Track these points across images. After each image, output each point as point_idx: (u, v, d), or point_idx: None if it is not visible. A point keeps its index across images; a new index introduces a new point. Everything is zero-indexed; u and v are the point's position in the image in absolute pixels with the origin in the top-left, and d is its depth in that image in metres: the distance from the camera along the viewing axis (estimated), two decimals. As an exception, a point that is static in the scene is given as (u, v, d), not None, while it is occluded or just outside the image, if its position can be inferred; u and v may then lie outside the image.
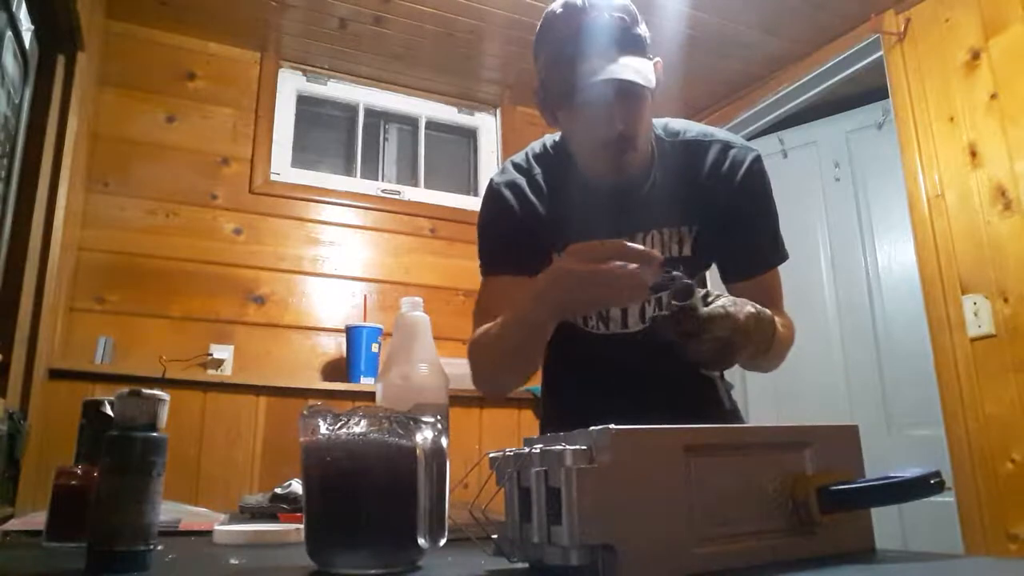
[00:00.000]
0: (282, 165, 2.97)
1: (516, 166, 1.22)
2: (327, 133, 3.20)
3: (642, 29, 1.08)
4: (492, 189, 1.22)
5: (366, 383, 2.58)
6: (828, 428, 0.65)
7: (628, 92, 1.03)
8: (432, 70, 3.13)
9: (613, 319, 1.18)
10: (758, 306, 0.95)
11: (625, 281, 0.84)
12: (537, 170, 1.20)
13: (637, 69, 1.01)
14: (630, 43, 1.05)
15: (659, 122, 1.19)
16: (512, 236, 1.19)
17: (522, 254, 1.16)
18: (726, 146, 1.15)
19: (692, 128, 1.19)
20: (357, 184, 3.11)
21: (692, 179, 1.14)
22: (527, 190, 1.19)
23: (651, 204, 1.14)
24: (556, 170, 1.19)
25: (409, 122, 3.34)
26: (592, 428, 0.55)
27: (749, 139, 3.34)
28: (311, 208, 2.92)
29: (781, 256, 1.18)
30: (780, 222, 1.19)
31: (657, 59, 1.09)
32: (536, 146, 1.23)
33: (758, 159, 1.16)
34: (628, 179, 1.12)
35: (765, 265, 1.17)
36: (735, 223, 1.13)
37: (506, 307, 1.05)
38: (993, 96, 2.32)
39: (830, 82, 2.96)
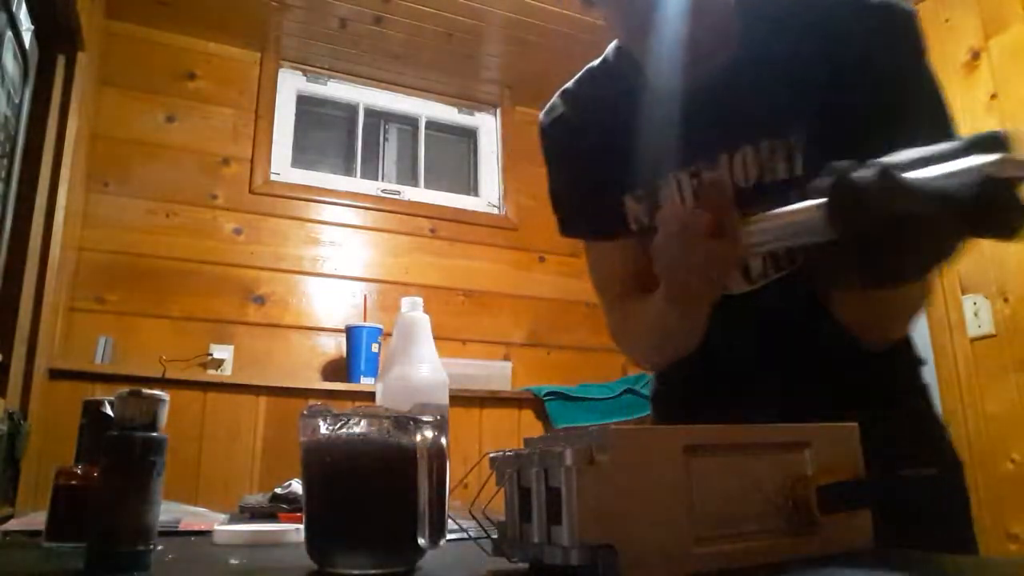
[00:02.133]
0: (282, 165, 2.97)
1: (564, 94, 0.97)
2: (327, 133, 3.20)
3: None
4: (541, 134, 0.99)
5: (366, 383, 2.57)
6: (828, 428, 0.65)
7: None
8: (432, 70, 3.13)
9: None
10: None
11: (714, 254, 0.62)
12: (589, 93, 0.94)
13: None
14: None
15: None
16: (574, 192, 0.97)
17: (594, 214, 0.93)
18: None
19: None
20: (357, 184, 3.11)
21: (800, 55, 0.76)
22: (578, 125, 0.94)
23: (740, 106, 0.80)
24: (617, 83, 0.90)
25: (409, 122, 3.34)
26: (592, 427, 0.55)
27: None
28: (311, 208, 2.92)
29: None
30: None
31: None
32: (599, 60, 0.95)
33: (912, 16, 0.76)
34: (703, 75, 0.81)
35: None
36: (866, 113, 0.73)
37: (618, 276, 0.89)
38: (993, 96, 2.32)
39: (830, 82, 2.96)
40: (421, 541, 0.60)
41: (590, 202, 0.95)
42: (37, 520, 0.99)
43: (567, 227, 0.99)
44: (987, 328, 2.24)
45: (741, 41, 0.80)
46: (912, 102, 0.74)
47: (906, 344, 0.83)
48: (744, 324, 0.82)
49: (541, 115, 0.99)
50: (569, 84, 0.97)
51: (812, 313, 0.74)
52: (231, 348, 2.62)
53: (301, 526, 0.69)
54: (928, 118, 0.73)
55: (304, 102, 3.12)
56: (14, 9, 1.82)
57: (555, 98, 0.98)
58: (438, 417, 0.65)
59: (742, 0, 0.80)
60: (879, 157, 0.54)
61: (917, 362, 0.86)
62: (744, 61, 0.80)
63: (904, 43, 0.75)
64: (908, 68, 0.75)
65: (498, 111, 3.40)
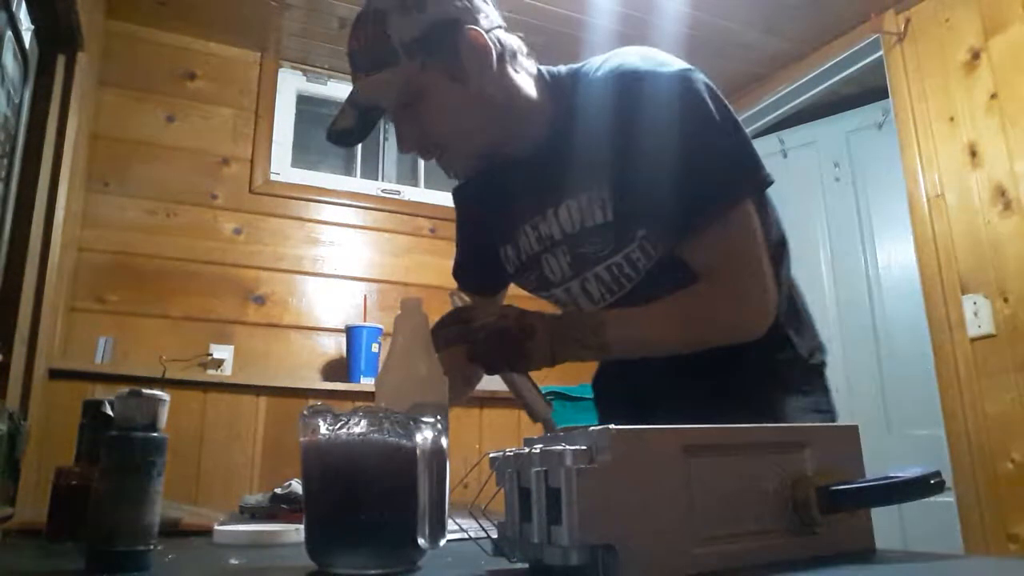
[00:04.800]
0: (282, 165, 2.97)
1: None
2: (327, 133, 3.20)
3: (398, 23, 0.92)
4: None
5: (366, 383, 2.58)
6: (828, 428, 0.65)
7: (399, 110, 0.99)
8: (432, 70, 3.13)
9: (576, 297, 1.07)
10: (557, 313, 0.96)
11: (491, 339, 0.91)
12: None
13: (366, 96, 0.97)
14: (369, 59, 0.95)
15: (578, 67, 1.03)
16: (463, 250, 1.24)
17: (478, 270, 1.20)
18: (629, 77, 0.94)
19: (608, 63, 0.98)
20: (357, 184, 3.11)
21: (603, 129, 0.95)
22: (469, 193, 1.20)
23: (566, 169, 0.99)
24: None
25: (409, 122, 3.34)
26: (592, 428, 0.55)
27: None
28: (311, 208, 2.92)
29: (702, 217, 0.91)
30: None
31: (470, 26, 0.94)
32: None
33: (668, 82, 0.92)
34: (535, 146, 1.01)
35: (677, 233, 0.94)
36: (654, 170, 0.92)
37: None
38: (993, 96, 2.32)
39: (830, 82, 2.96)
40: (421, 541, 0.60)
41: (473, 260, 1.20)
42: (37, 520, 0.99)
43: (460, 283, 1.21)
44: (987, 328, 2.24)
45: (554, 122, 1.01)
46: (677, 161, 0.91)
47: (766, 344, 0.97)
48: None
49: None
50: None
51: None
52: (231, 348, 2.62)
53: (301, 526, 0.69)
54: (691, 173, 0.91)
55: (304, 102, 3.12)
56: (14, 9, 1.82)
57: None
58: (438, 417, 0.65)
59: (577, 83, 1.00)
60: (665, 205, 0.91)
61: (778, 360, 1.02)
62: (559, 137, 1.00)
63: (666, 110, 0.92)
64: (666, 132, 0.92)
65: (498, 111, 3.40)
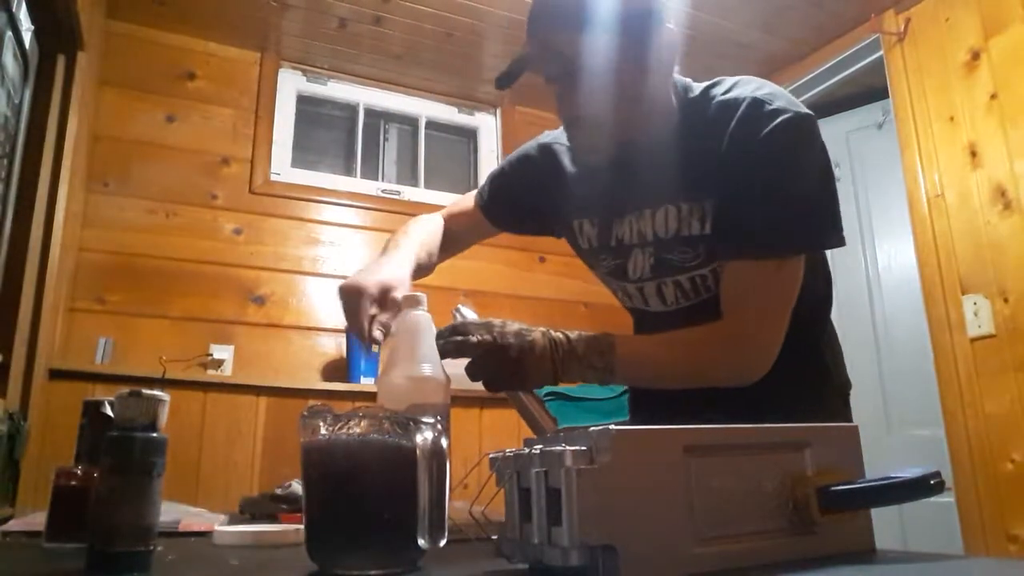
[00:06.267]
0: (282, 165, 2.97)
1: (555, 134, 1.21)
2: (327, 133, 3.20)
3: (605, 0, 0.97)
4: (533, 144, 1.24)
5: (366, 383, 2.57)
6: (828, 428, 0.65)
7: (560, 75, 0.99)
8: (432, 70, 3.13)
9: (647, 296, 1.11)
10: (564, 331, 0.94)
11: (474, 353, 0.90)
12: (560, 148, 1.20)
13: (561, 53, 0.97)
14: (579, 17, 0.96)
15: (707, 83, 1.07)
16: (511, 190, 1.25)
17: (516, 209, 1.25)
18: (755, 104, 0.97)
19: (739, 87, 1.03)
20: (357, 184, 3.11)
21: (716, 145, 0.99)
22: (549, 162, 1.20)
23: (666, 175, 1.03)
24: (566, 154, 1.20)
25: (409, 122, 3.34)
26: (592, 428, 0.55)
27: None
28: (311, 208, 2.92)
29: (759, 246, 0.96)
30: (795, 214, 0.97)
31: (670, 25, 1.01)
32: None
33: (787, 121, 0.95)
34: (634, 151, 1.04)
35: (733, 251, 0.98)
36: (736, 195, 0.97)
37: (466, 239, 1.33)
38: (993, 96, 2.32)
39: (830, 82, 2.96)
40: (421, 541, 0.60)
41: (512, 201, 1.25)
42: (37, 520, 0.98)
43: (483, 206, 1.27)
44: (987, 328, 2.24)
45: (677, 128, 1.04)
46: (750, 197, 0.95)
47: (796, 364, 0.99)
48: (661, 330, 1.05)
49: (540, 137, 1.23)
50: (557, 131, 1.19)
51: None
52: (231, 348, 2.62)
53: (301, 526, 0.69)
54: (757, 211, 0.95)
55: (304, 102, 3.12)
56: (14, 9, 1.82)
57: (547, 135, 1.23)
58: (438, 417, 0.65)
59: (692, 98, 1.05)
60: (752, 231, 0.94)
61: (811, 381, 1.10)
62: (678, 142, 1.03)
63: (769, 150, 0.95)
64: (758, 173, 0.95)
65: (498, 111, 3.40)
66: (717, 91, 1.04)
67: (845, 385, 1.19)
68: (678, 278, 1.04)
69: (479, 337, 0.89)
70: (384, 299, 1.02)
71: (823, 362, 1.14)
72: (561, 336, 0.93)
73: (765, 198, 0.95)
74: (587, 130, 1.02)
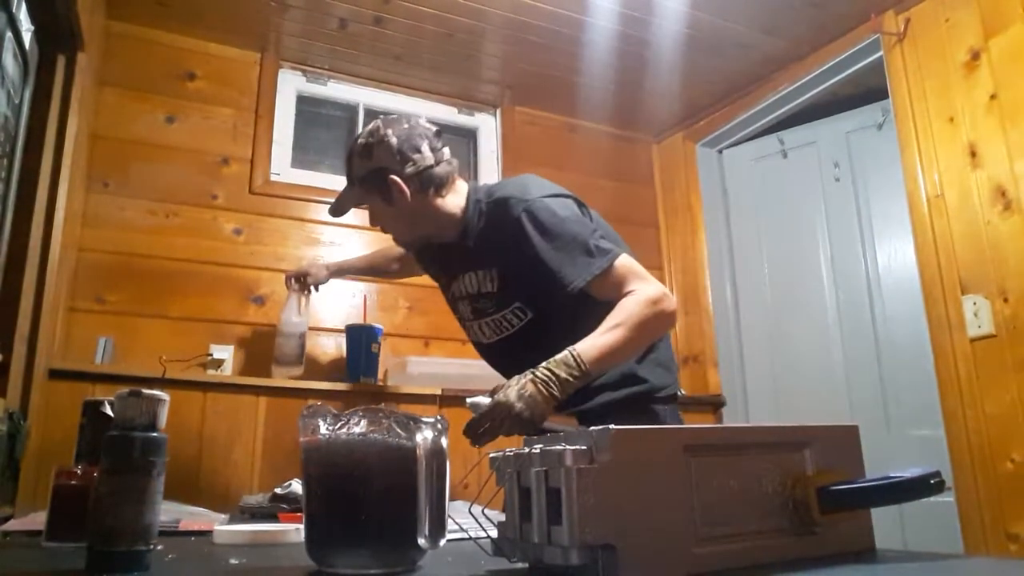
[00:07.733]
0: (282, 165, 2.97)
1: None
2: (327, 133, 3.19)
3: (357, 163, 1.58)
4: None
5: (366, 383, 2.57)
6: (828, 428, 0.65)
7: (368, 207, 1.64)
8: (432, 70, 3.13)
9: (475, 332, 1.63)
10: (542, 365, 1.27)
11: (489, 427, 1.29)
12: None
13: (340, 200, 1.69)
14: (351, 175, 1.62)
15: (492, 187, 1.57)
16: (416, 252, 1.84)
17: (413, 263, 1.98)
18: (502, 203, 1.47)
19: (501, 190, 1.52)
20: (357, 184, 3.10)
21: (494, 232, 1.49)
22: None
23: (472, 253, 1.54)
24: None
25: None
26: (592, 428, 0.55)
27: (749, 139, 3.38)
28: (311, 208, 2.92)
29: (568, 282, 1.37)
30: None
31: (393, 176, 1.52)
32: None
33: (526, 211, 1.42)
34: (455, 238, 1.56)
35: (560, 296, 1.38)
36: (521, 266, 1.43)
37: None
38: (993, 96, 2.32)
39: (830, 82, 2.96)
40: (421, 541, 0.60)
41: (413, 256, 1.92)
42: (37, 520, 0.99)
43: (403, 247, 1.97)
44: (987, 328, 2.24)
45: (478, 222, 1.54)
46: (536, 264, 1.41)
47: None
48: (492, 357, 1.65)
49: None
50: None
51: (523, 355, 1.39)
52: (231, 348, 2.62)
53: (301, 526, 0.69)
54: (546, 269, 1.41)
55: (304, 102, 3.12)
56: (14, 9, 1.82)
57: None
58: (438, 417, 0.65)
59: (482, 200, 1.55)
60: (537, 284, 1.44)
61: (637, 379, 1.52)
62: (479, 231, 1.54)
63: (522, 233, 1.42)
64: (525, 249, 1.42)
65: (498, 111, 3.40)
66: (488, 194, 1.55)
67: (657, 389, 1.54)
68: (487, 319, 1.55)
69: (499, 419, 1.24)
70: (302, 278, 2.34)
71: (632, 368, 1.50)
72: (544, 372, 1.25)
73: (538, 261, 1.40)
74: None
